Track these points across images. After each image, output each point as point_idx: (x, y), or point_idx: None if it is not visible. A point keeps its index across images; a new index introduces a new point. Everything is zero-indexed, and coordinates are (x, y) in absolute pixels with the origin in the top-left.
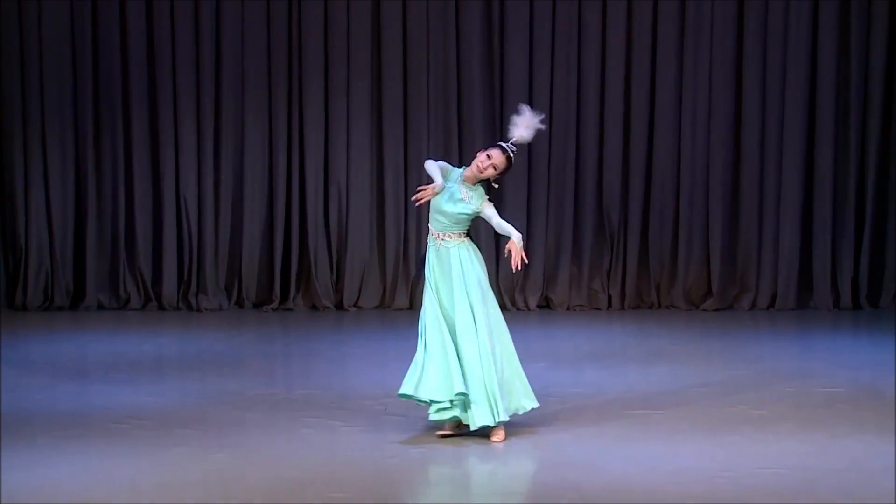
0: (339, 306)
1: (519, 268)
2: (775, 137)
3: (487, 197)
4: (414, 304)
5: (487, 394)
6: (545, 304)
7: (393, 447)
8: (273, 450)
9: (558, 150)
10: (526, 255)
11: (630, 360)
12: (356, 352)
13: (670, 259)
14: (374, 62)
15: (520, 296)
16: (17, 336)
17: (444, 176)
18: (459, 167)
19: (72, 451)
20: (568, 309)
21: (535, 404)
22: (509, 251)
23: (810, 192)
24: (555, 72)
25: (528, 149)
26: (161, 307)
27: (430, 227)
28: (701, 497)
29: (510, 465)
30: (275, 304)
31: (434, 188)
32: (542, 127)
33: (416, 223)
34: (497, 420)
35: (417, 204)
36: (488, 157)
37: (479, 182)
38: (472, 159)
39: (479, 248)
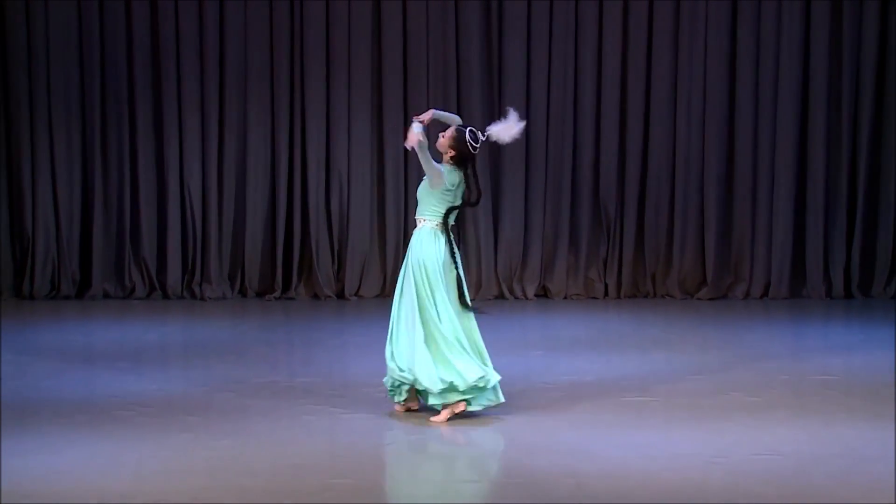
0: (341, 295)
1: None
2: (769, 129)
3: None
4: None
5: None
6: (543, 294)
7: (392, 433)
8: (275, 436)
9: (556, 142)
10: (524, 243)
11: (626, 348)
12: (357, 340)
13: (665, 249)
14: (375, 54)
15: (517, 285)
16: (24, 324)
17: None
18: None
19: (78, 437)
20: (565, 298)
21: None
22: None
23: (803, 183)
24: (552, 65)
25: (525, 140)
26: (165, 296)
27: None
28: (696, 483)
29: (507, 451)
30: (277, 294)
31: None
32: (518, 136)
33: (415, 213)
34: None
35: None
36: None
37: (452, 165)
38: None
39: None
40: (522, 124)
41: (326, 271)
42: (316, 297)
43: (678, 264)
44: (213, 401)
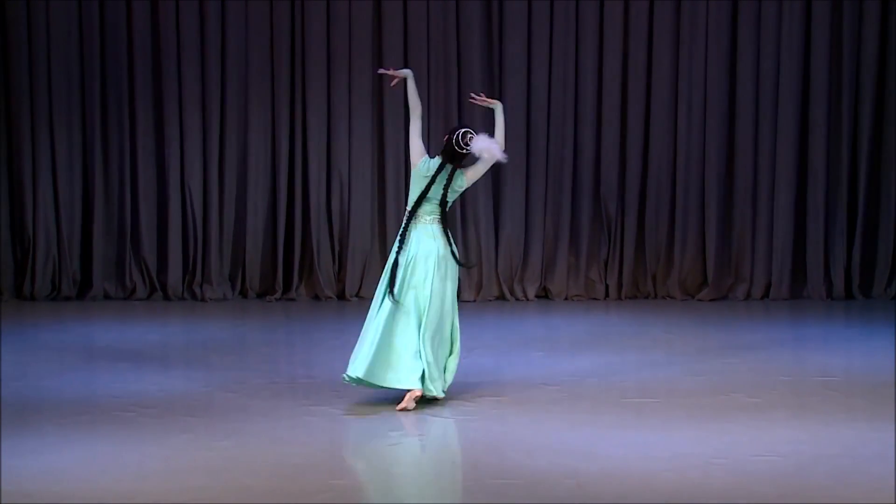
0: (341, 296)
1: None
2: (769, 129)
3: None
4: None
5: None
6: (543, 295)
7: (393, 434)
8: (276, 436)
9: (556, 142)
10: (525, 244)
11: (626, 349)
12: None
13: (666, 249)
14: (376, 54)
15: (518, 286)
16: (24, 325)
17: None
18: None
19: (78, 437)
20: (566, 299)
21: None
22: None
23: (804, 184)
24: (553, 65)
25: (526, 141)
26: (166, 297)
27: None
28: (696, 483)
29: (508, 452)
30: (278, 294)
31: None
32: (498, 158)
33: None
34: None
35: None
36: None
37: (440, 156)
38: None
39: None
40: (498, 149)
41: (327, 272)
42: (317, 297)
43: (679, 265)
44: (214, 401)
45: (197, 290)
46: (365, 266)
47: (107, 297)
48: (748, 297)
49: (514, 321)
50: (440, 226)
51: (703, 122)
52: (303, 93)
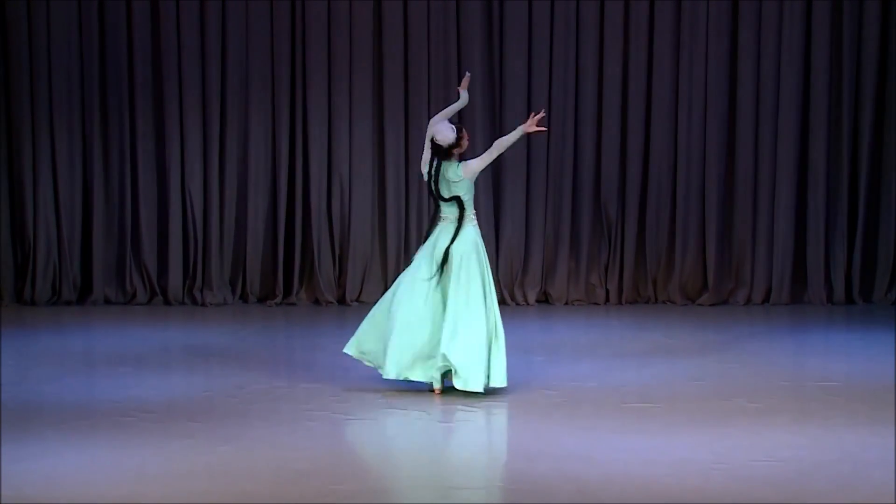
0: (342, 301)
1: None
2: (769, 134)
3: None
4: None
5: None
6: (544, 299)
7: (394, 439)
8: (276, 441)
9: (556, 146)
10: (525, 249)
11: (627, 353)
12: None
13: (667, 254)
14: (376, 57)
15: (519, 290)
16: (25, 329)
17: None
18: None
19: (79, 442)
20: (566, 303)
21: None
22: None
23: (804, 188)
24: (553, 70)
25: (526, 145)
26: (167, 302)
27: (473, 214)
28: (697, 488)
29: (509, 458)
30: (278, 299)
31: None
32: (444, 137)
33: (416, 218)
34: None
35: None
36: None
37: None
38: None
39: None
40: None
41: (328, 276)
42: (317, 302)
43: (679, 269)
44: (215, 406)
45: (197, 295)
46: (365, 270)
47: (107, 301)
48: (748, 301)
49: (514, 326)
50: (452, 226)
51: (704, 125)
52: (303, 96)
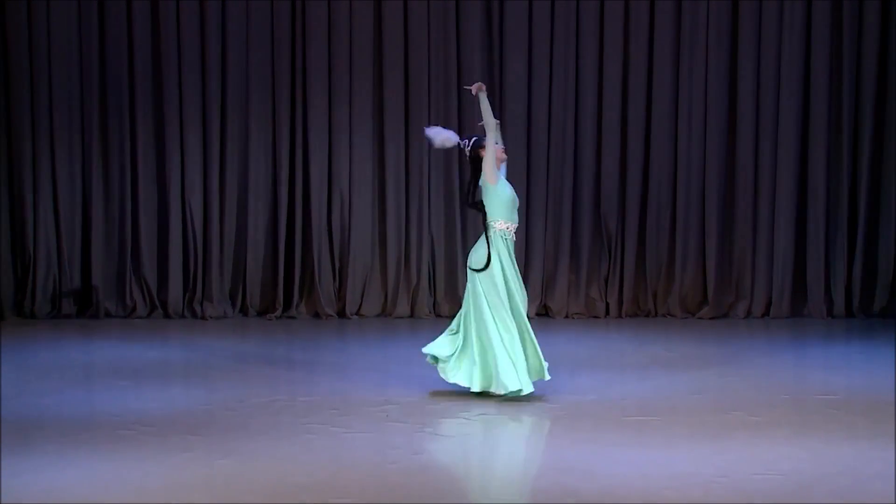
0: (342, 314)
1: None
2: (769, 147)
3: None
4: (414, 313)
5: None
6: (544, 312)
7: (394, 453)
8: (276, 455)
9: (556, 159)
10: (525, 261)
11: (627, 367)
12: (358, 359)
13: (667, 267)
14: (376, 70)
15: None
16: (25, 343)
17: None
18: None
19: (78, 456)
20: (566, 317)
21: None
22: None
23: (804, 201)
24: (553, 80)
25: (526, 158)
26: (166, 315)
27: (501, 223)
28: (697, 501)
29: (508, 471)
30: (278, 313)
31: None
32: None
33: (416, 230)
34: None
35: None
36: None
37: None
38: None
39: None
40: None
41: (328, 290)
42: (317, 315)
43: (679, 282)
44: (215, 419)
45: (197, 308)
46: (365, 283)
47: (107, 315)
48: (748, 314)
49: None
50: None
51: (704, 138)
52: (303, 109)
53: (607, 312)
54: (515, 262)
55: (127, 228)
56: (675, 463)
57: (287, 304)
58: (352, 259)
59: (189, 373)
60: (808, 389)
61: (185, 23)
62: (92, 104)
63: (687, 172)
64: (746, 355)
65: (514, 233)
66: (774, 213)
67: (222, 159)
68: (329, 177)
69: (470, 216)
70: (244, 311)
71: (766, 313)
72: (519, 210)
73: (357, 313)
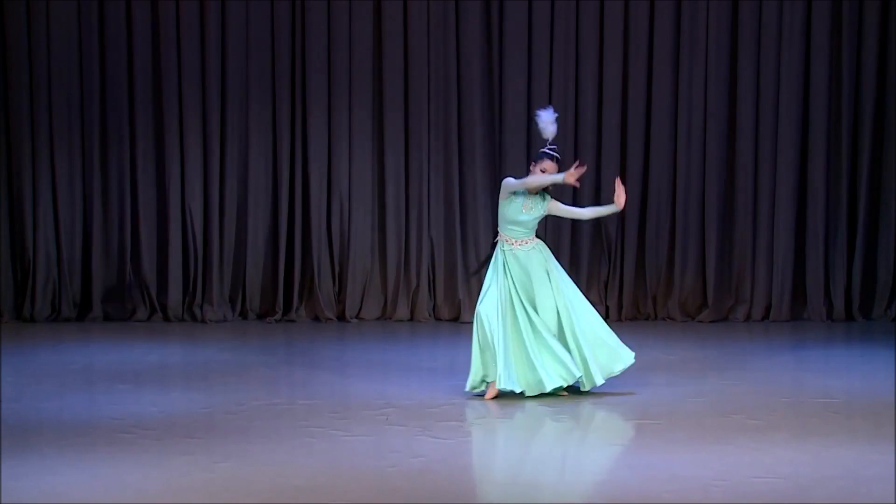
0: (341, 317)
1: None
2: (769, 151)
3: (550, 196)
4: (414, 316)
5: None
6: None
7: (393, 456)
8: (276, 458)
9: None
10: None
11: (626, 370)
12: (358, 362)
13: (666, 271)
14: (376, 75)
15: None
16: (24, 346)
17: (516, 192)
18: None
19: (78, 459)
20: None
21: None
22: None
23: (803, 204)
24: (553, 86)
25: (525, 162)
26: (166, 318)
27: (503, 235)
28: None
29: (507, 474)
30: (278, 316)
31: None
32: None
33: (416, 234)
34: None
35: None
36: (542, 170)
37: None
38: (528, 174)
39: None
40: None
41: (327, 293)
42: (317, 319)
43: (679, 286)
44: (214, 423)
45: (197, 312)
46: (365, 287)
47: (107, 318)
48: (748, 318)
49: None
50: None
51: (703, 142)
52: (303, 113)
53: (607, 316)
54: (529, 272)
55: (127, 232)
56: (674, 466)
57: (287, 308)
58: (351, 262)
59: (189, 376)
60: (808, 393)
61: (185, 27)
62: (92, 108)
63: (686, 175)
64: (746, 359)
65: (518, 244)
66: (774, 216)
67: (222, 164)
68: (329, 181)
69: (469, 218)
70: (244, 315)
71: (765, 317)
72: (523, 222)
73: (357, 317)
